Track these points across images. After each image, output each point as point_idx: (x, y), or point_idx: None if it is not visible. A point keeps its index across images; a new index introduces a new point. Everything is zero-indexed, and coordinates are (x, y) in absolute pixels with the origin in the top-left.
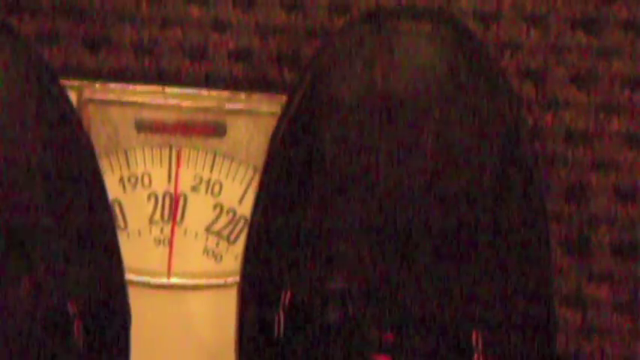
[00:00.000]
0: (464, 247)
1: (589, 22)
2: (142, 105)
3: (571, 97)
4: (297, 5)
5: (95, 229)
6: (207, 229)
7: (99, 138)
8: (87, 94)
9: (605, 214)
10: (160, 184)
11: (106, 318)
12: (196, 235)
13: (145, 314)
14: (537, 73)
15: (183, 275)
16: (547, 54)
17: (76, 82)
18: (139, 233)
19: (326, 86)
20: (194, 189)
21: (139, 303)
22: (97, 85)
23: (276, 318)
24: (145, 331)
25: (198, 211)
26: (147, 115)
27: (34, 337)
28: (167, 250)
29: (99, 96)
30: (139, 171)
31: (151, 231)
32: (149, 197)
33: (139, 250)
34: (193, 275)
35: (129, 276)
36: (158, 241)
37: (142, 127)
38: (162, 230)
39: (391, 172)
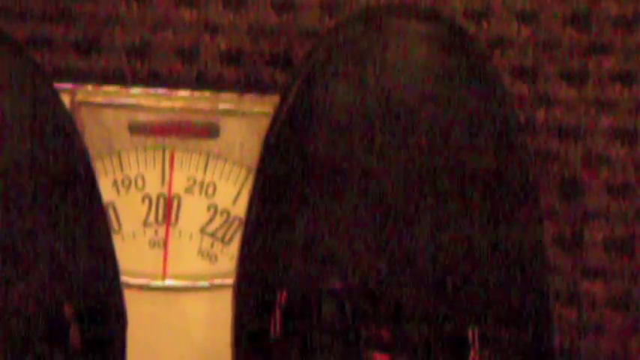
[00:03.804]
0: (459, 244)
1: (579, 18)
2: (134, 107)
3: (562, 93)
4: (288, 6)
5: (89, 232)
6: (202, 230)
7: (92, 140)
8: (80, 96)
9: (598, 210)
10: (153, 186)
11: (101, 321)
12: (191, 236)
13: (141, 317)
14: (529, 69)
15: (178, 277)
16: (538, 51)
17: (68, 85)
18: (134, 235)
19: (318, 86)
20: (188, 190)
21: (134, 305)
22: (90, 88)
23: (272, 318)
24: (141, 333)
25: (193, 212)
26: (140, 117)
27: (30, 341)
28: (162, 252)
29: (92, 99)
30: (133, 173)
31: (145, 233)
32: (143, 199)
33: (133, 253)
34: (188, 277)
35: (124, 279)
36: (153, 244)
37: (135, 129)
38: (156, 232)
39: (385, 170)
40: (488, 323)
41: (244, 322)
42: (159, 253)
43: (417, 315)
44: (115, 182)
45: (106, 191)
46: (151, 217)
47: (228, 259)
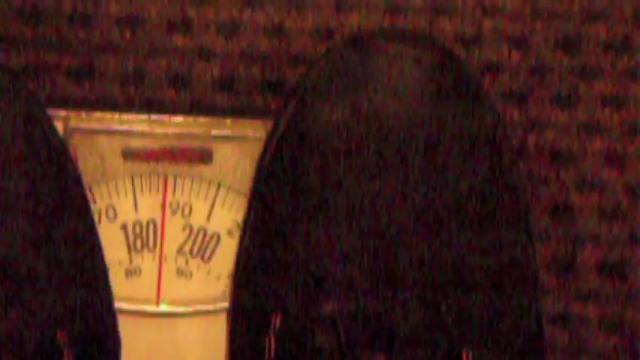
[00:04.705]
0: (452, 267)
1: (569, 42)
2: (128, 133)
3: (553, 117)
4: (280, 31)
5: (83, 258)
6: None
7: (86, 167)
8: (73, 123)
9: (590, 233)
10: (145, 211)
11: (95, 347)
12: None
13: (135, 342)
14: (520, 94)
15: (171, 302)
16: (529, 75)
17: (62, 112)
18: (120, 263)
19: (311, 110)
20: (176, 214)
21: (128, 331)
22: (83, 115)
23: (267, 343)
24: (136, 359)
25: (187, 237)
26: (133, 143)
27: None
28: (155, 277)
29: (85, 125)
30: (125, 199)
31: (132, 259)
32: (134, 225)
33: (126, 279)
34: (182, 302)
35: (118, 304)
36: (145, 269)
37: (128, 155)
38: (142, 258)
39: (378, 194)
40: (482, 346)
41: (239, 347)
42: (152, 278)
43: (411, 339)
44: (108, 208)
45: (99, 218)
46: (138, 244)
47: (209, 277)
